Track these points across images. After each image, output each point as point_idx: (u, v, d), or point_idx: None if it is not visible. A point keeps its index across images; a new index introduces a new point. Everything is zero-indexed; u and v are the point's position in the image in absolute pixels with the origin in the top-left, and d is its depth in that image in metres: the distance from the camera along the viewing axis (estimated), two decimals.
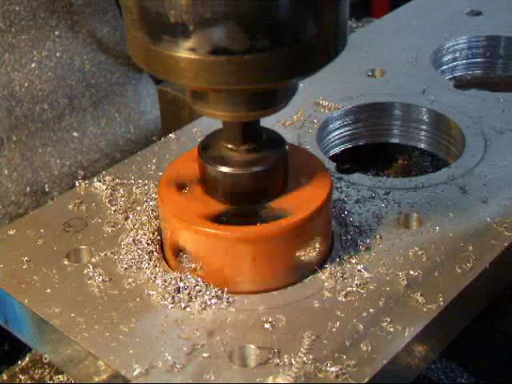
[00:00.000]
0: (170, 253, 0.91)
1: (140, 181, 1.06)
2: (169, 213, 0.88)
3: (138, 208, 1.01)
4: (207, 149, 0.90)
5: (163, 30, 0.75)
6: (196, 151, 0.91)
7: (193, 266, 0.88)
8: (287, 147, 0.91)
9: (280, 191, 0.90)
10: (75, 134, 1.34)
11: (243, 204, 0.89)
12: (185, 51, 0.75)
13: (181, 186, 0.92)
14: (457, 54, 1.38)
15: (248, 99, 0.82)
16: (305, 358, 0.79)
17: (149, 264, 0.91)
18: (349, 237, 0.95)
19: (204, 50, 0.74)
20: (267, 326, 0.83)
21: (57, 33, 1.29)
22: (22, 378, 1.10)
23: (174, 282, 0.88)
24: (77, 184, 1.06)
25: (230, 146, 0.89)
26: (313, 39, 0.77)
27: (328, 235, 0.93)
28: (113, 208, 1.01)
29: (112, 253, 0.94)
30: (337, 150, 1.21)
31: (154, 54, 0.78)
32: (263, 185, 0.89)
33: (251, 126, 0.88)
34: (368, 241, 0.94)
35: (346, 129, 1.21)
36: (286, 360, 0.79)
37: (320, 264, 0.90)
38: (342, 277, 0.89)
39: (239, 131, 0.88)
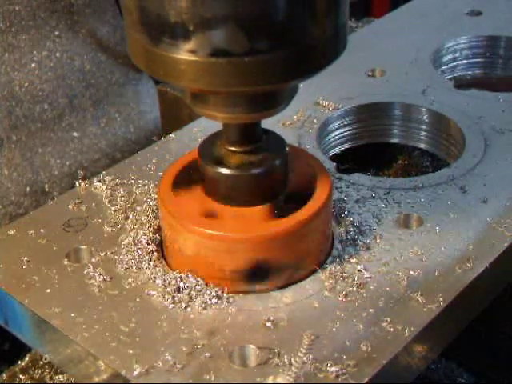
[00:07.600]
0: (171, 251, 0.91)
1: (140, 181, 1.06)
2: (168, 212, 0.89)
3: (138, 208, 1.01)
4: (207, 150, 0.90)
5: (163, 32, 0.75)
6: (197, 151, 0.91)
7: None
8: (287, 149, 0.91)
9: (280, 192, 0.90)
10: (75, 134, 1.34)
11: (242, 205, 0.89)
12: (185, 53, 0.75)
13: (181, 186, 0.92)
14: (457, 54, 1.38)
15: (248, 101, 0.82)
16: (305, 358, 0.79)
17: (149, 264, 0.91)
18: (349, 237, 0.95)
19: (204, 52, 0.74)
20: (267, 325, 0.84)
21: (57, 33, 1.29)
22: (22, 377, 1.11)
23: (174, 281, 0.88)
24: (77, 184, 1.06)
25: (229, 147, 0.88)
26: (313, 41, 0.77)
27: (328, 238, 0.93)
28: (113, 208, 1.01)
29: (112, 253, 0.94)
30: (337, 150, 1.21)
31: (154, 55, 0.78)
32: (263, 186, 0.88)
33: (251, 128, 0.88)
34: (368, 241, 0.94)
35: (346, 129, 1.21)
36: (285, 360, 0.79)
37: (320, 264, 0.91)
38: (341, 277, 0.89)
39: (239, 133, 0.88)
